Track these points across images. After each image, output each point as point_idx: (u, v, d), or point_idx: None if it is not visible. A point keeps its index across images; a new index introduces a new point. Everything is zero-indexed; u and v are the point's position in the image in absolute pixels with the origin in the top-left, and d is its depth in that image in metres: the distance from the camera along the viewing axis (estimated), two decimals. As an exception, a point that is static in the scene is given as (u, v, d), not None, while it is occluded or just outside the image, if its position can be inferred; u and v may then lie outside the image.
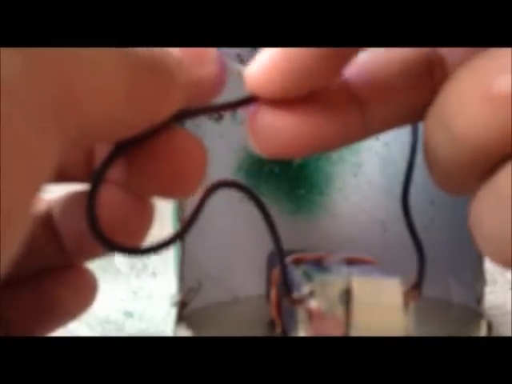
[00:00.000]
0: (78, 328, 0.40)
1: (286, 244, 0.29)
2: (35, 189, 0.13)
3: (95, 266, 0.63)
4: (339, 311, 0.24)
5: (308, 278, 0.26)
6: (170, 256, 0.62)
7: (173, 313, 0.35)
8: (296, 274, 0.27)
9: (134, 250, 0.18)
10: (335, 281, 0.25)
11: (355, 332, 0.24)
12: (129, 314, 0.43)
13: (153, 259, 0.61)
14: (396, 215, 0.42)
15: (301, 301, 0.25)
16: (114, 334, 0.40)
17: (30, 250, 0.19)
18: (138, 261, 0.60)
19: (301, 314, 0.25)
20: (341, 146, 0.20)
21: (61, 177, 0.19)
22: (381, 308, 0.25)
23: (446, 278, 0.38)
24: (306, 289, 0.25)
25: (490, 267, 0.37)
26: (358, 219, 0.42)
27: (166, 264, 0.60)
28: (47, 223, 0.19)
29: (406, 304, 0.25)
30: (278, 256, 0.25)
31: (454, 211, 0.40)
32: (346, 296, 0.25)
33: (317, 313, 0.24)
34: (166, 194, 0.18)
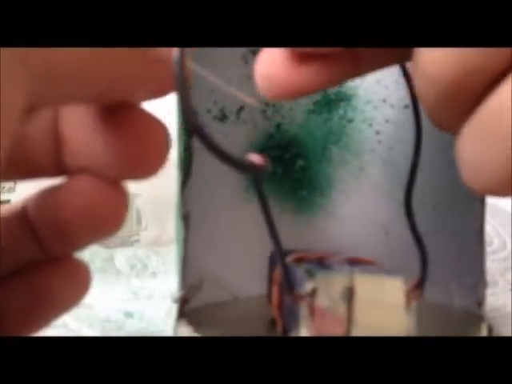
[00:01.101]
0: (78, 327, 0.40)
1: (288, 245, 0.29)
2: (5, 132, 0.13)
3: (95, 266, 0.63)
4: (341, 309, 0.24)
5: (310, 275, 0.26)
6: (170, 256, 0.62)
7: (173, 310, 0.35)
8: (298, 272, 0.27)
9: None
10: (337, 278, 0.25)
11: (357, 330, 0.24)
12: (129, 314, 0.43)
13: (153, 259, 0.61)
14: (398, 218, 0.42)
15: (303, 297, 0.25)
16: (115, 334, 0.40)
17: (10, 247, 0.19)
18: (138, 261, 0.60)
19: (303, 312, 0.25)
20: (333, 86, 0.22)
21: (32, 172, 0.19)
22: (383, 306, 0.25)
23: (447, 281, 0.38)
24: (308, 286, 0.25)
25: (490, 268, 0.37)
26: (360, 221, 0.42)
27: (166, 264, 0.60)
28: (23, 219, 0.19)
29: (407, 303, 0.25)
30: (278, 252, 0.25)
31: (455, 215, 0.40)
32: (349, 293, 0.25)
33: (319, 310, 0.24)
34: (133, 174, 0.19)
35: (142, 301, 0.47)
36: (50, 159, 0.19)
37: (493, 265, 0.49)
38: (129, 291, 0.50)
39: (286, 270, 0.26)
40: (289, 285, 0.26)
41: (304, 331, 0.25)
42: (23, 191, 0.64)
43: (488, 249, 0.43)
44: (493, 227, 0.57)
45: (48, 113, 0.19)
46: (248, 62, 0.41)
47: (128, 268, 0.59)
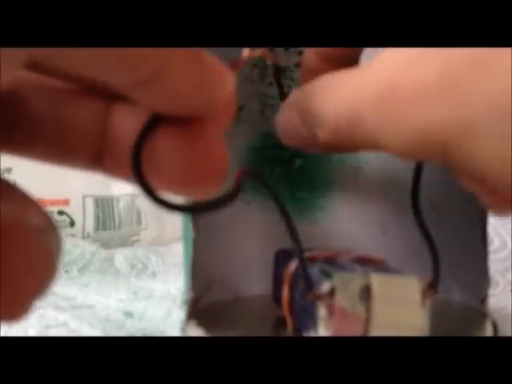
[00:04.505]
0: (79, 327, 0.40)
1: (287, 245, 0.29)
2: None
3: (95, 266, 0.62)
4: (360, 308, 0.24)
5: (326, 275, 0.26)
6: (170, 256, 0.62)
7: (173, 310, 0.35)
8: (313, 271, 0.27)
9: (182, 206, 0.18)
10: (355, 278, 0.25)
11: (375, 329, 0.24)
12: (129, 315, 0.43)
13: (153, 259, 0.61)
14: (395, 217, 0.42)
15: (321, 297, 0.25)
16: (115, 334, 0.40)
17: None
18: (137, 261, 0.60)
19: (321, 312, 0.25)
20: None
21: (65, 158, 0.18)
22: (400, 304, 0.25)
23: (447, 279, 0.38)
24: (326, 286, 0.25)
25: (491, 268, 0.37)
26: (358, 221, 0.42)
27: (165, 264, 0.60)
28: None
29: (423, 301, 0.25)
30: (298, 252, 0.25)
31: (454, 214, 0.40)
32: (366, 293, 0.25)
33: (338, 310, 0.24)
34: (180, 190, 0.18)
35: (142, 301, 0.47)
36: (87, 151, 0.18)
37: (493, 265, 0.49)
38: (129, 291, 0.50)
39: (305, 270, 0.26)
40: (308, 284, 0.26)
41: (323, 331, 0.25)
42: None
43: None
44: (493, 227, 0.57)
45: (98, 105, 0.18)
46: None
47: (128, 268, 0.59)
